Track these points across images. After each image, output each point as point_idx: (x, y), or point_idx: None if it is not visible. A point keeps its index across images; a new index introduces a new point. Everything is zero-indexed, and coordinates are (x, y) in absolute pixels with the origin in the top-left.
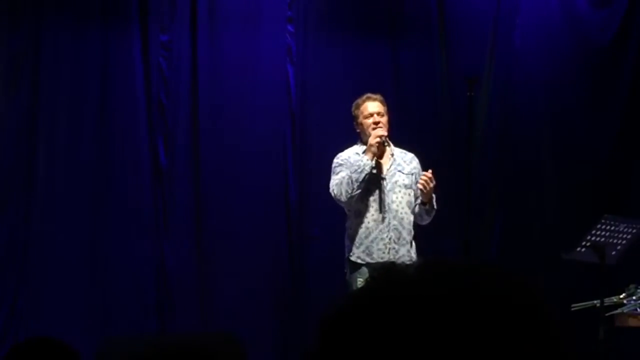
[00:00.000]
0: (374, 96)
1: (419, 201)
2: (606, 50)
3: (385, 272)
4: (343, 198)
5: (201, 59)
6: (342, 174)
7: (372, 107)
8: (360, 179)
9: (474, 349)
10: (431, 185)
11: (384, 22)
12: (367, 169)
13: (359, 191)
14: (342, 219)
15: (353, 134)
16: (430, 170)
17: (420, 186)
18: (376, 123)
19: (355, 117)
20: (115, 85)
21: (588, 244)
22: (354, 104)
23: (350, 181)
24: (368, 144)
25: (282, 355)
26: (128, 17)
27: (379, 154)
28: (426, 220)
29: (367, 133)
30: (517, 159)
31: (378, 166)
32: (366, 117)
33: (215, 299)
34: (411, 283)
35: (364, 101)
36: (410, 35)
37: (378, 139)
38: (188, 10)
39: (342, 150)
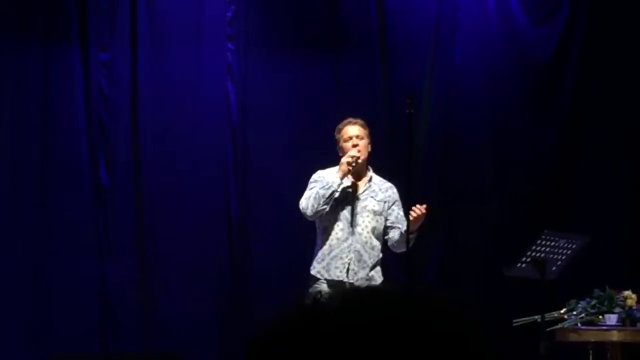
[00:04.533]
0: (354, 120)
1: (402, 228)
2: (546, 66)
3: (313, 299)
4: (308, 212)
5: (141, 77)
6: (315, 190)
7: (352, 131)
8: (327, 195)
9: None
10: (421, 216)
11: (325, 39)
12: (335, 186)
13: (325, 207)
14: (285, 235)
15: (294, 151)
16: (425, 205)
17: (412, 214)
18: (355, 146)
19: (337, 141)
20: (56, 104)
21: (528, 259)
22: (336, 129)
23: (317, 196)
24: (340, 163)
25: None
26: (68, 35)
27: (356, 176)
28: (402, 249)
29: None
30: (458, 176)
31: (354, 186)
32: (346, 141)
33: (158, 317)
34: (334, 313)
35: (344, 125)
36: (352, 52)
37: (349, 159)
38: (128, 28)
39: (284, 166)
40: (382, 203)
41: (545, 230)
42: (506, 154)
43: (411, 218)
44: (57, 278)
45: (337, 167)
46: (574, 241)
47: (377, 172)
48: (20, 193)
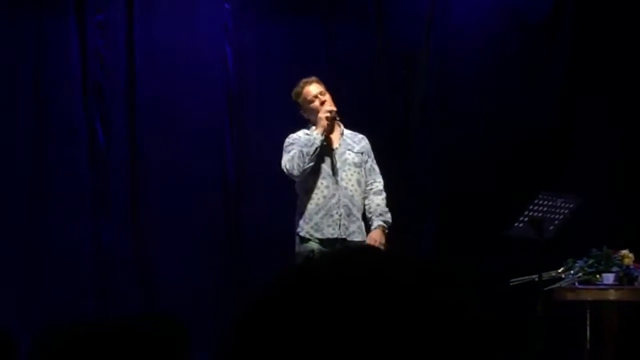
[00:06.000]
0: (309, 80)
1: (376, 183)
2: (541, 27)
3: (301, 266)
4: (295, 172)
5: (137, 38)
6: (294, 151)
7: (313, 90)
8: (312, 152)
9: (383, 347)
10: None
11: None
12: (318, 142)
13: (311, 164)
14: (282, 200)
15: (291, 114)
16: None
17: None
18: (323, 102)
19: (301, 105)
20: (51, 66)
21: (526, 219)
22: (293, 94)
23: (301, 155)
24: (318, 119)
25: (221, 336)
26: None
27: (329, 130)
28: None
29: (317, 115)
30: (453, 136)
31: (328, 140)
32: (311, 101)
33: (154, 281)
34: (325, 280)
35: (302, 87)
36: (347, 11)
37: (328, 114)
38: None
39: (281, 130)
40: (360, 154)
41: (543, 191)
42: (502, 116)
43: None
44: (52, 240)
45: (305, 130)
46: (571, 201)
47: (372, 133)
48: (16, 154)
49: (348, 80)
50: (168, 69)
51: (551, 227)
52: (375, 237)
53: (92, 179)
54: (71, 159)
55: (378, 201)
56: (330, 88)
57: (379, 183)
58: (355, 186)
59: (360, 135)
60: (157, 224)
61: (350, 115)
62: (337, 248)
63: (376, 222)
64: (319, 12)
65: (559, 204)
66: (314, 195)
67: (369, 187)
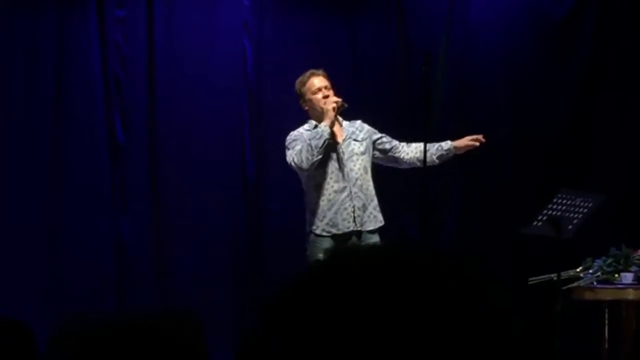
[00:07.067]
0: (317, 72)
1: (449, 146)
2: (562, 24)
3: (331, 258)
4: (305, 165)
5: (157, 34)
6: (299, 146)
7: (318, 82)
8: (320, 145)
9: (412, 338)
10: (474, 146)
11: None
12: (326, 134)
13: (319, 157)
14: (301, 193)
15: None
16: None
17: (473, 144)
18: (326, 97)
19: (302, 95)
20: (72, 61)
21: (544, 218)
22: (298, 83)
23: (309, 148)
24: (325, 110)
25: (240, 332)
26: None
27: (332, 124)
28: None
29: (318, 108)
30: (473, 132)
31: (332, 135)
32: (314, 93)
33: (173, 274)
34: (355, 272)
35: (308, 78)
36: (367, 8)
37: (334, 105)
38: None
39: (300, 126)
40: (364, 141)
41: (561, 189)
42: (521, 111)
43: (468, 144)
44: (72, 234)
45: (305, 126)
46: (590, 200)
47: (392, 130)
48: (36, 149)
49: (368, 75)
50: (187, 64)
51: (570, 227)
52: (467, 140)
53: (111, 174)
54: (91, 154)
55: (419, 145)
56: (349, 83)
57: (402, 143)
58: (364, 174)
59: (358, 121)
60: (176, 220)
61: (370, 111)
62: (367, 245)
63: (445, 144)
64: (339, 8)
65: (578, 203)
66: (324, 192)
67: (401, 146)
